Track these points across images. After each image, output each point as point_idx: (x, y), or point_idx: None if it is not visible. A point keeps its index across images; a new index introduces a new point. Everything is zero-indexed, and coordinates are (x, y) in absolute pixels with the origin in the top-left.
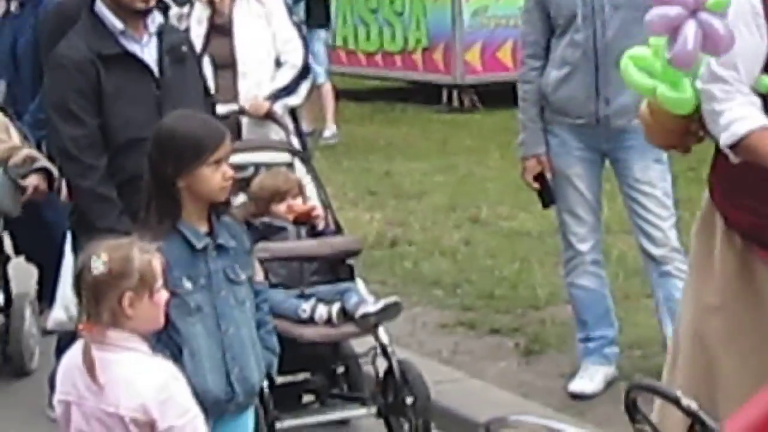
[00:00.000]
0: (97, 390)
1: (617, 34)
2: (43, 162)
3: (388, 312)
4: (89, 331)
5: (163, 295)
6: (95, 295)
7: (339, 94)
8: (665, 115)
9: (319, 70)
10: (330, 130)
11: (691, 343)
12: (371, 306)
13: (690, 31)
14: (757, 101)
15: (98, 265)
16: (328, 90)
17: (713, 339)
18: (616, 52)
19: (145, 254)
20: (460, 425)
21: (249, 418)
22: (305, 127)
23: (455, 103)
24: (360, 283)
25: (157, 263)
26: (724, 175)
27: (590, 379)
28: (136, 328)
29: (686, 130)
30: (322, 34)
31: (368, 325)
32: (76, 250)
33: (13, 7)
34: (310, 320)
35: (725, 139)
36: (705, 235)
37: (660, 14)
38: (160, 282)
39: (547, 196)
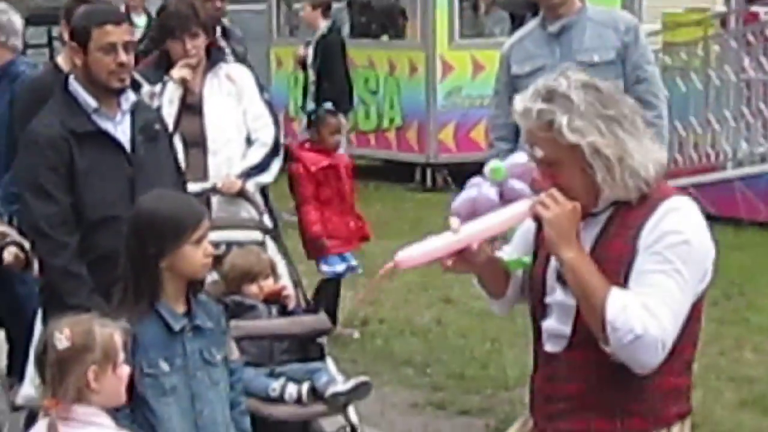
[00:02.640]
0: None
1: None
2: (15, 237)
3: (358, 392)
4: (54, 407)
5: (125, 369)
6: (60, 370)
7: None
8: None
9: None
10: None
11: None
12: (341, 385)
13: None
14: None
15: (61, 339)
16: None
17: None
18: None
19: (106, 328)
20: None
21: None
22: None
23: (428, 181)
24: (330, 362)
25: (118, 337)
26: None
27: None
28: (100, 402)
29: None
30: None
31: (338, 404)
32: (46, 326)
33: None
34: (280, 399)
35: None
36: None
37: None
38: (122, 356)
39: None
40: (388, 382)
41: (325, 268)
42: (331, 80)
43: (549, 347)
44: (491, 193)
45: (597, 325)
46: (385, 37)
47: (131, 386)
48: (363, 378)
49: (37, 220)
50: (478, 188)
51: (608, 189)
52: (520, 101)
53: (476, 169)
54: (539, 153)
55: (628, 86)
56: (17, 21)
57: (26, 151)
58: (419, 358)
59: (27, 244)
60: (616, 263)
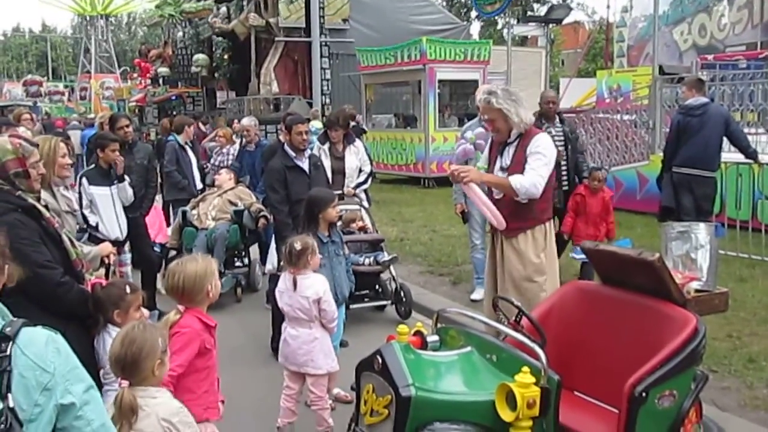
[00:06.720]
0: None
1: None
2: (265, 211)
3: (393, 260)
4: (295, 273)
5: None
6: (299, 254)
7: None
8: None
9: None
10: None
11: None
12: (387, 258)
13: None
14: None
15: (297, 245)
16: None
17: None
18: None
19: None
20: (426, 312)
21: (343, 307)
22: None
23: (427, 185)
24: (384, 251)
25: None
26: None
27: (479, 293)
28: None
29: None
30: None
31: (386, 266)
32: (276, 242)
33: (251, 148)
34: (365, 264)
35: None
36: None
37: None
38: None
39: (465, 219)
40: (412, 263)
41: (574, 255)
42: None
43: (496, 195)
44: (470, 147)
45: (512, 194)
46: (408, 128)
47: None
48: (394, 254)
49: (272, 201)
50: (465, 146)
51: (515, 127)
52: (480, 94)
53: (444, 178)
54: (486, 116)
55: None
56: (255, 122)
57: (267, 174)
58: (423, 253)
59: (269, 214)
60: (521, 161)
